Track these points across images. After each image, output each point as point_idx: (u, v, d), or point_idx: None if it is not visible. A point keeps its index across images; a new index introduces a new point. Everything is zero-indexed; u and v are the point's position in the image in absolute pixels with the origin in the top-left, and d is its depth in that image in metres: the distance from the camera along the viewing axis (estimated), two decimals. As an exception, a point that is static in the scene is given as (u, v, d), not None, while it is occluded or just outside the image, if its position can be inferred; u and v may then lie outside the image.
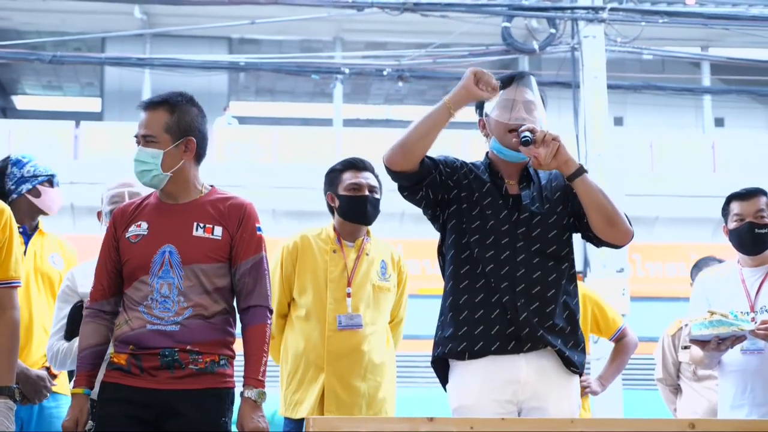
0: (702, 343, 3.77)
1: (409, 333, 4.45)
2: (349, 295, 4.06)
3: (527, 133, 3.02)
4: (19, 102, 25.66)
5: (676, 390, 5.39)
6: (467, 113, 3.34)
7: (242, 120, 20.57)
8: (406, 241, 12.14)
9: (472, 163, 3.25)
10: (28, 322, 3.85)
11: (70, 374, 3.74)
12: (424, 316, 5.66)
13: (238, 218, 3.19)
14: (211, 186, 3.31)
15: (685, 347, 5.19)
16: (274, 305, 4.14)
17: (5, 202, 3.83)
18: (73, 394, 3.18)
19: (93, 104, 23.66)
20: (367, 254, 4.15)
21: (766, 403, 3.75)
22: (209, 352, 3.10)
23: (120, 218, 3.26)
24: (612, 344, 4.77)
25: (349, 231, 4.17)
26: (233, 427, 3.13)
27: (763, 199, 3.90)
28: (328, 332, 4.03)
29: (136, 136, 3.23)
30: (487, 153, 3.28)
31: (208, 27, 15.76)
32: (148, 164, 3.17)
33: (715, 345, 3.72)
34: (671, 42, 17.84)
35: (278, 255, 4.18)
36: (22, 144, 15.44)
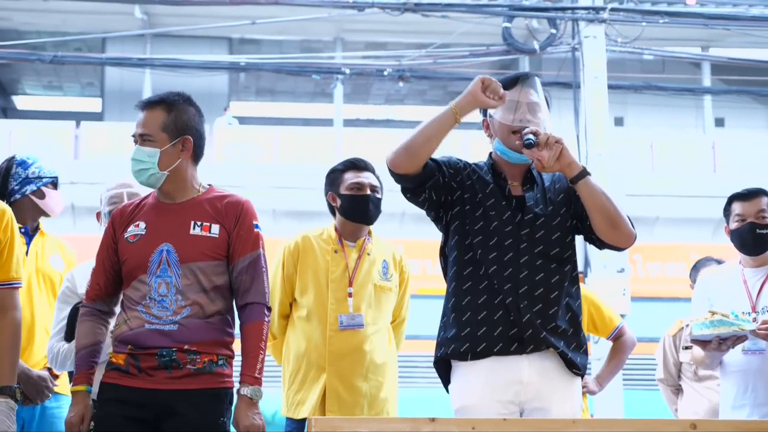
0: (703, 343, 3.77)
1: (409, 333, 4.45)
2: (350, 295, 4.07)
3: (530, 136, 3.02)
4: (20, 102, 25.67)
5: (677, 390, 5.39)
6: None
7: (243, 120, 20.57)
8: (407, 241, 12.13)
9: (475, 164, 3.25)
10: (30, 323, 3.85)
11: (71, 375, 3.74)
12: (425, 317, 5.66)
13: (235, 215, 3.19)
14: (209, 185, 3.31)
15: (686, 347, 5.19)
16: (275, 306, 4.16)
17: (8, 201, 3.85)
18: (74, 392, 3.18)
19: (93, 104, 23.66)
20: (368, 254, 4.15)
21: (767, 404, 3.75)
22: (207, 352, 3.10)
23: (119, 219, 3.26)
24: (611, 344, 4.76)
25: (351, 231, 4.17)
26: (233, 427, 3.13)
27: (765, 199, 3.90)
28: (329, 332, 4.04)
29: (133, 136, 3.23)
30: (491, 154, 3.27)
31: (208, 27, 15.77)
32: (145, 163, 3.17)
33: (716, 345, 3.72)
34: (672, 42, 17.85)
35: (280, 255, 4.19)
36: (23, 144, 15.44)
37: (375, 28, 19.00)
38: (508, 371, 3.06)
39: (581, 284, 3.37)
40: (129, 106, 3.36)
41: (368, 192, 4.12)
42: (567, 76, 11.25)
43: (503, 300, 3.08)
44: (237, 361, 3.18)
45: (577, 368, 3.12)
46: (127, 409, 3.07)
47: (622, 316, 6.88)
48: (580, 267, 9.33)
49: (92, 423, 3.16)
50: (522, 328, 3.06)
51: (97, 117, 21.28)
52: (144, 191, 3.41)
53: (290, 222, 15.13)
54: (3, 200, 3.80)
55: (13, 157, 4.08)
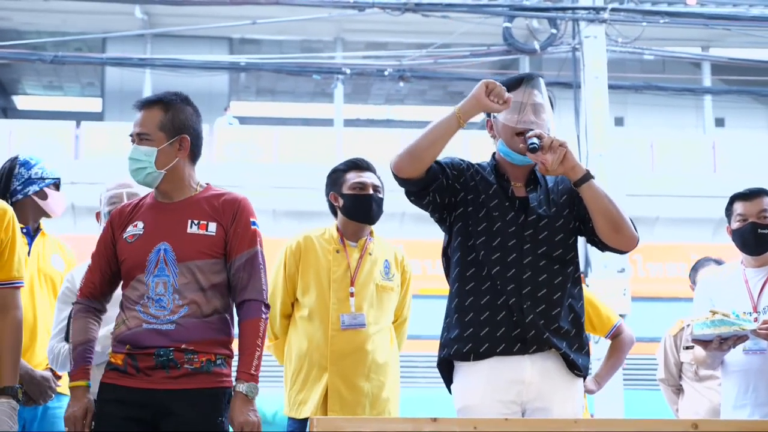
0: (704, 342, 3.78)
1: (409, 333, 4.45)
2: (352, 294, 4.07)
3: (535, 140, 3.01)
4: (20, 102, 25.68)
5: (678, 390, 5.39)
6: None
7: (243, 120, 20.57)
8: (407, 241, 12.12)
9: (478, 164, 3.25)
10: (32, 323, 3.86)
11: (73, 375, 3.73)
12: (425, 316, 5.66)
13: (232, 213, 3.18)
14: (207, 184, 3.31)
15: (687, 347, 5.20)
16: (277, 305, 4.16)
17: (9, 201, 3.85)
18: (74, 388, 3.17)
19: (94, 104, 23.67)
20: (370, 254, 4.16)
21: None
22: (205, 352, 3.09)
23: (117, 219, 3.26)
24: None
25: (353, 231, 4.17)
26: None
27: (767, 199, 3.90)
28: (331, 332, 4.04)
29: (131, 135, 3.24)
30: (494, 154, 3.27)
31: (208, 27, 15.77)
32: (142, 162, 3.18)
33: (717, 345, 3.72)
34: (672, 42, 17.85)
35: (281, 255, 4.19)
36: (23, 144, 15.44)
37: (375, 28, 19.00)
38: (511, 371, 3.06)
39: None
40: (129, 106, 3.36)
41: (371, 192, 4.13)
42: (567, 76, 11.25)
43: (506, 301, 3.08)
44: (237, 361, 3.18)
45: (578, 369, 3.13)
46: (126, 409, 3.07)
47: (622, 316, 6.88)
48: (581, 267, 9.32)
49: (92, 423, 3.16)
50: (525, 328, 3.06)
51: (98, 117, 21.29)
52: (143, 191, 3.41)
53: (290, 222, 15.13)
54: (5, 200, 3.82)
55: (16, 158, 4.09)
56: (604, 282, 9.24)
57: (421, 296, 5.54)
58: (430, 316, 6.09)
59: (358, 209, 4.13)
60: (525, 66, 19.27)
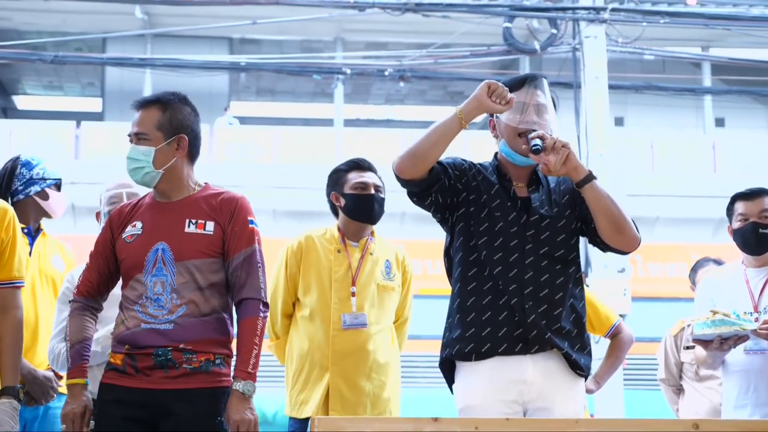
0: (705, 342, 3.78)
1: (409, 333, 4.45)
2: (353, 294, 4.07)
3: (537, 141, 3.01)
4: (20, 102, 25.68)
5: (679, 390, 5.39)
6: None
7: (243, 120, 20.57)
8: (407, 241, 12.11)
9: (480, 164, 3.25)
10: (34, 324, 3.86)
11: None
12: (426, 316, 5.66)
13: (229, 212, 3.18)
14: (206, 183, 3.31)
15: (688, 347, 5.20)
16: (278, 305, 4.16)
17: (11, 201, 3.86)
18: (72, 385, 3.17)
19: (94, 104, 23.67)
20: (371, 254, 4.16)
21: (768, 403, 3.76)
22: (204, 351, 3.09)
23: (117, 219, 3.27)
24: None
25: (354, 231, 4.18)
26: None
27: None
28: (332, 332, 4.04)
29: (129, 135, 3.24)
30: (496, 154, 3.28)
31: (209, 27, 15.77)
32: (140, 161, 3.18)
33: (718, 344, 3.72)
34: (672, 42, 17.86)
35: (283, 255, 4.19)
36: (23, 144, 15.44)
37: (376, 28, 19.00)
38: (512, 371, 3.06)
39: (580, 284, 3.36)
40: (129, 106, 3.36)
41: (372, 191, 4.13)
42: (567, 76, 11.25)
43: (508, 301, 3.08)
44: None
45: (580, 369, 3.13)
46: (125, 409, 3.07)
47: (623, 316, 6.87)
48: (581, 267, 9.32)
49: (92, 423, 3.16)
50: (527, 328, 3.07)
51: (98, 117, 21.29)
52: (143, 191, 3.41)
53: (290, 222, 15.13)
54: (6, 200, 3.82)
55: (18, 158, 4.09)
56: (605, 282, 9.24)
57: (422, 296, 5.54)
58: (431, 316, 6.09)
59: (359, 209, 4.14)
60: (525, 66, 19.27)
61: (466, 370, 3.12)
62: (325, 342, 4.05)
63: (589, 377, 4.60)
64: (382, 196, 4.17)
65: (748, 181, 4.74)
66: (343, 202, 4.16)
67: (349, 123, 20.55)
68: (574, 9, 10.83)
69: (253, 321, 3.10)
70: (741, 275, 3.94)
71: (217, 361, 3.12)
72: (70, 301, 3.34)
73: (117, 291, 3.28)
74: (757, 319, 3.76)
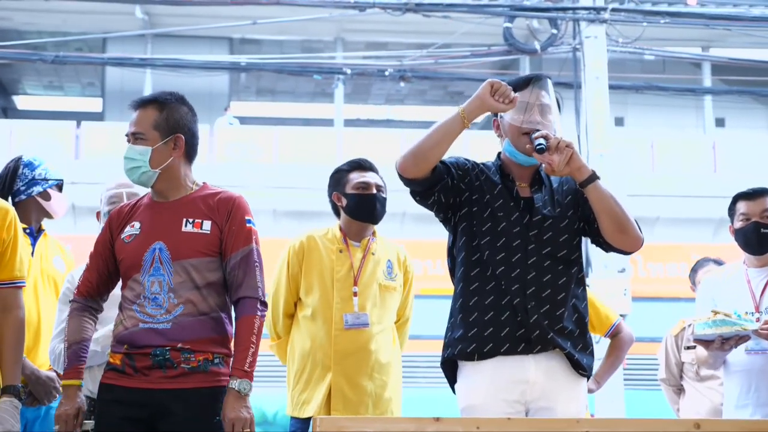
0: (706, 342, 3.78)
1: (410, 333, 4.45)
2: (355, 294, 4.07)
3: (541, 140, 3.01)
4: (21, 102, 25.69)
5: (679, 390, 5.39)
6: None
7: (243, 120, 20.57)
8: (407, 241, 12.12)
9: (483, 164, 3.25)
10: (36, 324, 3.86)
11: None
12: (426, 316, 5.66)
13: (226, 211, 3.18)
14: (204, 183, 3.31)
15: (688, 347, 5.20)
16: (280, 305, 4.16)
17: (12, 201, 3.86)
18: (67, 386, 3.17)
19: (94, 104, 23.68)
20: (373, 254, 4.16)
21: (770, 403, 3.76)
22: (202, 351, 3.09)
23: (115, 220, 3.27)
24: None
25: (356, 230, 4.18)
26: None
27: (769, 199, 3.90)
28: (335, 331, 4.04)
29: (126, 135, 3.24)
30: (499, 154, 3.28)
31: (209, 27, 15.77)
32: (137, 161, 3.18)
33: (719, 344, 3.72)
34: (672, 42, 17.85)
35: (284, 255, 4.20)
36: (23, 144, 15.45)
37: (376, 28, 19.00)
38: (515, 371, 3.06)
39: (579, 284, 3.36)
40: (128, 106, 3.36)
41: (374, 191, 4.14)
42: (568, 77, 11.24)
43: (511, 301, 3.08)
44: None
45: (583, 369, 3.13)
46: (124, 409, 3.07)
47: (623, 316, 6.87)
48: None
49: (93, 423, 3.16)
50: (529, 328, 3.07)
51: (98, 117, 21.29)
52: (143, 191, 3.41)
53: (290, 222, 15.14)
54: (7, 200, 3.82)
55: (20, 158, 4.09)
56: (605, 282, 9.24)
57: (422, 296, 5.55)
58: (431, 316, 6.09)
59: (361, 209, 4.14)
60: (525, 66, 19.27)
61: (468, 370, 3.12)
62: (327, 342, 4.05)
63: (590, 377, 4.61)
64: (383, 195, 4.17)
65: (749, 181, 4.74)
66: (344, 201, 4.16)
67: (349, 123, 20.55)
68: (574, 9, 10.83)
69: (251, 320, 3.10)
70: (742, 275, 3.94)
71: (216, 361, 3.12)
72: (70, 301, 3.34)
73: (117, 291, 3.29)
74: (758, 319, 3.76)
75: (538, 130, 3.06)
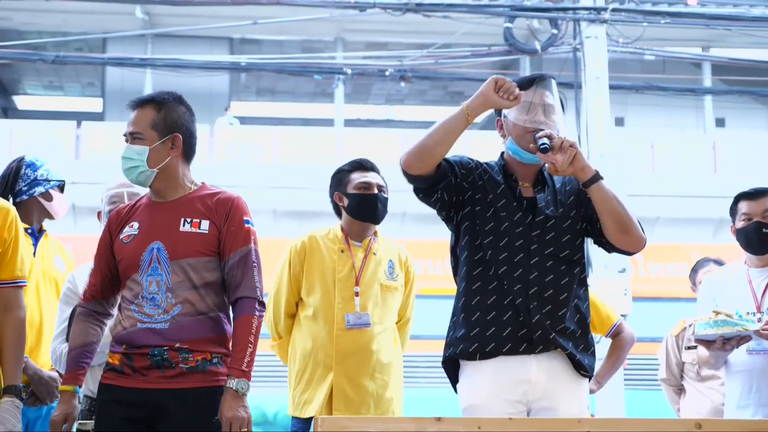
0: (707, 343, 3.78)
1: (411, 333, 4.45)
2: (357, 294, 4.07)
3: (545, 140, 3.01)
4: (21, 102, 25.70)
5: (680, 390, 5.39)
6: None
7: (243, 120, 20.59)
8: (408, 241, 12.12)
9: (486, 163, 3.25)
10: (38, 324, 3.87)
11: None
12: (426, 316, 5.65)
13: (225, 212, 3.18)
14: (202, 183, 3.31)
15: (689, 347, 5.20)
16: (281, 305, 4.16)
17: (14, 201, 3.86)
18: (62, 391, 3.18)
19: (94, 104, 23.69)
20: (374, 254, 4.16)
21: (771, 403, 3.76)
22: (200, 350, 3.09)
23: (115, 221, 3.28)
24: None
25: (358, 230, 4.18)
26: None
27: (771, 199, 3.90)
28: (336, 331, 4.04)
29: (124, 135, 3.24)
30: (502, 154, 3.28)
31: (209, 27, 15.78)
32: (135, 161, 3.18)
33: (721, 345, 3.72)
34: (673, 42, 17.87)
35: (286, 255, 4.19)
36: (24, 144, 15.46)
37: (376, 29, 19.01)
38: (517, 371, 3.07)
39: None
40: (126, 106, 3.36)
41: (376, 191, 4.14)
42: (568, 77, 11.23)
43: (513, 301, 3.08)
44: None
45: (584, 370, 3.13)
46: (123, 409, 3.07)
47: (624, 316, 6.86)
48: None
49: (93, 423, 3.16)
50: (531, 329, 3.07)
51: (98, 117, 21.31)
52: (144, 191, 3.41)
53: (290, 222, 15.15)
54: (8, 200, 3.82)
55: (22, 158, 4.10)
56: (605, 282, 9.24)
57: (423, 296, 5.55)
58: (431, 316, 6.09)
59: (363, 209, 4.14)
60: (526, 66, 19.28)
61: (470, 370, 3.12)
62: (328, 341, 4.05)
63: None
64: (385, 195, 4.17)
65: (749, 181, 4.74)
66: (346, 202, 4.16)
67: (349, 123, 20.56)
68: (574, 9, 10.82)
69: (249, 319, 3.10)
70: (744, 275, 3.94)
71: (214, 360, 3.12)
72: (77, 306, 3.34)
73: (121, 294, 3.29)
74: (760, 320, 3.76)
75: (541, 130, 3.06)
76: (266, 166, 16.68)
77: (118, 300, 3.27)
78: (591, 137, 9.87)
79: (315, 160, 15.93)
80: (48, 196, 4.06)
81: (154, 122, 3.19)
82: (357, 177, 4.16)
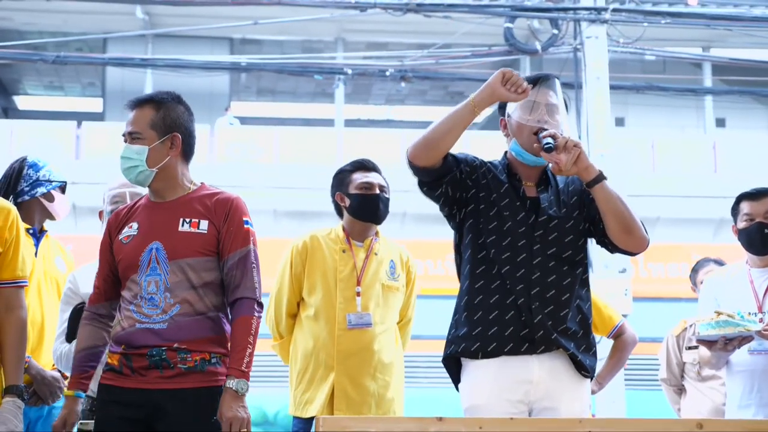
0: (709, 343, 3.78)
1: (412, 333, 4.44)
2: (358, 294, 4.07)
3: (549, 140, 3.01)
4: (21, 102, 25.70)
5: (680, 390, 5.39)
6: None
7: (243, 120, 20.59)
8: (408, 241, 12.12)
9: (490, 162, 3.25)
10: (40, 325, 3.87)
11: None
12: (426, 316, 5.65)
13: (224, 212, 3.18)
14: (201, 183, 3.31)
15: (690, 347, 5.21)
16: (283, 305, 4.16)
17: (16, 201, 3.87)
18: (66, 396, 3.20)
19: (94, 104, 23.69)
20: (376, 254, 4.16)
21: (772, 404, 3.75)
22: (199, 350, 3.09)
23: (114, 222, 3.28)
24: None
25: (359, 230, 4.18)
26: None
27: (773, 199, 3.90)
28: (338, 331, 4.04)
29: (123, 135, 3.24)
30: (506, 153, 3.28)
31: (209, 27, 15.78)
32: (134, 160, 3.18)
33: (722, 345, 3.72)
34: (673, 43, 17.87)
35: (288, 255, 4.19)
36: (24, 144, 15.47)
37: (377, 29, 19.01)
38: (518, 371, 3.07)
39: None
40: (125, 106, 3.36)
41: (377, 191, 4.14)
42: (569, 77, 11.23)
43: (515, 300, 3.08)
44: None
45: (586, 370, 3.13)
46: (122, 409, 3.08)
47: (624, 316, 6.86)
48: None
49: (93, 422, 3.16)
50: (533, 328, 3.07)
51: (99, 117, 21.31)
52: (145, 191, 3.41)
53: (291, 222, 15.15)
54: (9, 200, 3.82)
55: (24, 158, 4.10)
56: (606, 282, 9.23)
57: (423, 296, 5.55)
58: (432, 316, 6.08)
59: (364, 209, 4.14)
60: (526, 66, 19.28)
61: (472, 369, 3.12)
62: (330, 341, 4.05)
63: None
64: (386, 196, 4.17)
65: (749, 182, 4.74)
66: (347, 202, 4.16)
67: (349, 123, 20.56)
68: (575, 9, 10.82)
69: (248, 320, 3.10)
70: (745, 275, 3.94)
71: (213, 360, 3.12)
72: (79, 307, 3.34)
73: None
74: (761, 320, 3.76)
75: (545, 129, 3.06)
76: (266, 166, 16.68)
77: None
78: (591, 137, 9.87)
79: (315, 160, 15.93)
80: (50, 197, 4.07)
81: (153, 122, 3.19)
82: (359, 177, 4.16)
